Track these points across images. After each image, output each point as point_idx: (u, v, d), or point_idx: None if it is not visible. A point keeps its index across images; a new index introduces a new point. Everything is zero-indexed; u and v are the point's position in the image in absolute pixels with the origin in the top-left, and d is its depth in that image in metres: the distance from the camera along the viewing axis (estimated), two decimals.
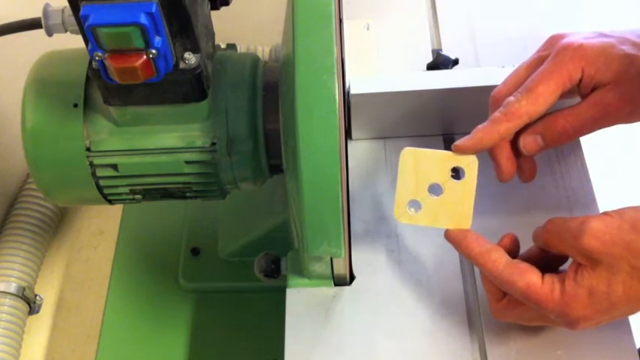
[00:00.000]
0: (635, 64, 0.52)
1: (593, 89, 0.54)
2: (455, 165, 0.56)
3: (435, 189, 0.56)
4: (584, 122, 0.55)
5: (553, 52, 0.55)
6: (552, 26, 0.79)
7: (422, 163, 0.56)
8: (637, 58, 0.53)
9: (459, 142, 0.55)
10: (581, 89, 0.55)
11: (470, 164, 0.55)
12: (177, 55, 0.54)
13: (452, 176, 0.56)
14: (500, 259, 0.52)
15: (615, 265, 0.48)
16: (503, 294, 0.54)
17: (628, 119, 0.55)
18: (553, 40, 0.56)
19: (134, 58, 0.50)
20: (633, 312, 0.51)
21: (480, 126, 0.55)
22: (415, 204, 0.56)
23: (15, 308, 0.83)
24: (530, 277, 0.51)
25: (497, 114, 0.54)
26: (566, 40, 0.55)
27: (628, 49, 0.53)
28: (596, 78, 0.53)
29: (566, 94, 0.55)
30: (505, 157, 0.56)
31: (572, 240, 0.50)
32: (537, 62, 0.56)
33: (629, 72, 0.53)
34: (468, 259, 0.55)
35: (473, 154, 0.55)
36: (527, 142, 0.56)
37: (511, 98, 0.54)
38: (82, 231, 0.96)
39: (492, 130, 0.54)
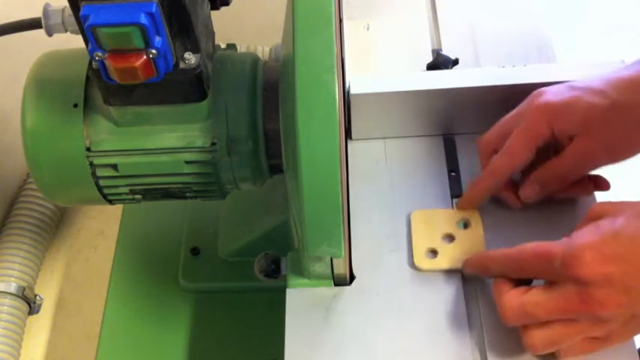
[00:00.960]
0: (596, 113, 0.57)
1: (571, 139, 0.59)
2: (460, 218, 0.64)
3: (447, 239, 0.63)
4: (568, 169, 0.60)
5: (527, 113, 0.60)
6: (552, 26, 0.79)
7: (431, 220, 0.64)
8: (598, 106, 0.57)
9: (460, 202, 0.65)
10: (560, 141, 0.59)
11: (473, 215, 0.64)
12: (178, 55, 0.54)
13: (460, 226, 0.64)
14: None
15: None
16: (512, 286, 0.55)
17: (611, 161, 0.59)
18: (531, 98, 0.61)
19: (134, 58, 0.50)
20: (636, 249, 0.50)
21: (471, 184, 0.64)
22: (432, 252, 0.62)
23: (15, 308, 0.83)
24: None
25: (484, 173, 0.63)
26: (538, 100, 0.60)
27: (591, 99, 0.57)
28: (567, 131, 0.58)
29: (545, 147, 0.60)
30: (507, 196, 0.64)
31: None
32: (516, 119, 0.61)
33: (593, 121, 0.57)
34: (485, 269, 0.58)
35: (474, 208, 0.64)
36: (524, 193, 0.63)
37: (494, 157, 0.62)
38: (82, 231, 0.96)
39: (481, 187, 0.63)
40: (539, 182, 0.62)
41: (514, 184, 0.64)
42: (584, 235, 0.51)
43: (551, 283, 0.52)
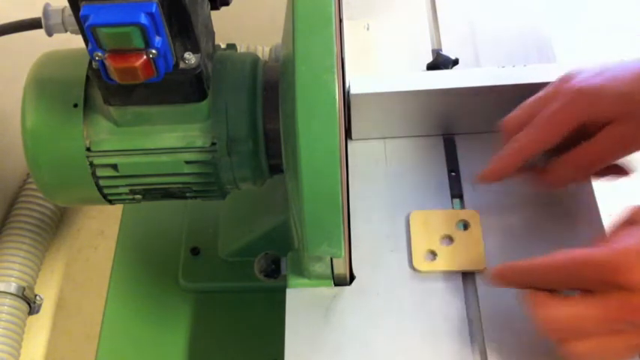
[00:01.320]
0: (632, 100, 0.55)
1: (603, 125, 0.57)
2: (459, 219, 0.63)
3: (446, 240, 0.63)
4: (604, 154, 0.58)
5: (563, 92, 0.58)
6: (552, 26, 0.79)
7: (430, 221, 0.64)
8: (632, 94, 0.55)
9: (482, 174, 0.61)
10: (589, 127, 0.57)
11: (472, 216, 0.63)
12: (178, 55, 0.54)
13: (459, 227, 0.63)
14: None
15: None
16: (548, 297, 0.52)
17: None
18: (561, 80, 0.59)
19: (134, 58, 0.50)
20: None
21: (496, 157, 0.60)
22: (431, 253, 0.62)
23: (15, 308, 0.83)
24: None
25: (511, 147, 0.59)
26: (571, 83, 0.58)
27: (625, 86, 0.55)
28: (604, 114, 0.56)
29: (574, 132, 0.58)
30: (533, 177, 0.61)
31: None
32: (544, 101, 0.59)
33: (630, 106, 0.55)
34: (513, 282, 0.55)
35: (495, 181, 0.61)
36: (554, 177, 0.60)
37: (522, 133, 0.58)
38: (82, 231, 0.96)
39: (508, 161, 0.60)
40: (571, 166, 0.59)
41: (535, 168, 0.61)
42: (629, 239, 0.48)
43: (587, 292, 0.49)
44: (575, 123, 0.57)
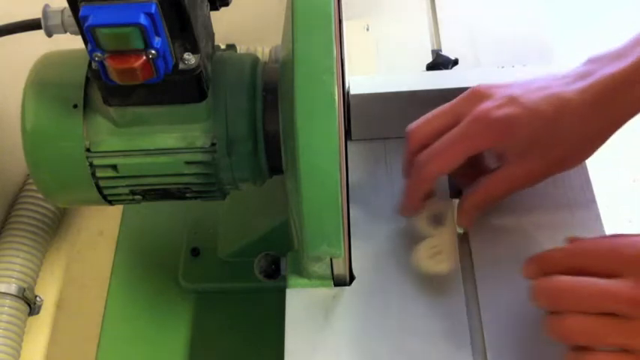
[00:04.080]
0: (540, 135, 0.56)
1: (508, 155, 0.58)
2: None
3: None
4: (501, 190, 0.60)
5: (466, 118, 0.58)
6: (552, 26, 0.79)
7: None
8: (545, 135, 0.56)
9: (399, 209, 0.63)
10: (494, 152, 0.59)
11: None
12: (177, 55, 0.54)
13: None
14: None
15: None
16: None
17: (547, 177, 0.59)
18: (471, 97, 0.59)
19: (133, 59, 0.50)
20: None
21: (405, 194, 0.62)
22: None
23: (15, 309, 0.82)
24: None
25: (412, 180, 0.61)
26: (479, 110, 0.57)
27: (538, 123, 0.56)
28: (508, 149, 0.58)
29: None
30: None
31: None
32: (452, 117, 0.59)
33: (537, 142, 0.56)
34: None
35: (412, 215, 0.63)
36: (463, 222, 0.62)
37: (422, 159, 0.59)
38: (82, 232, 0.96)
39: (415, 196, 0.61)
40: (473, 207, 0.61)
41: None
42: None
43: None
44: (478, 150, 0.58)
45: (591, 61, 0.58)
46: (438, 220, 0.62)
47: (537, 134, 0.56)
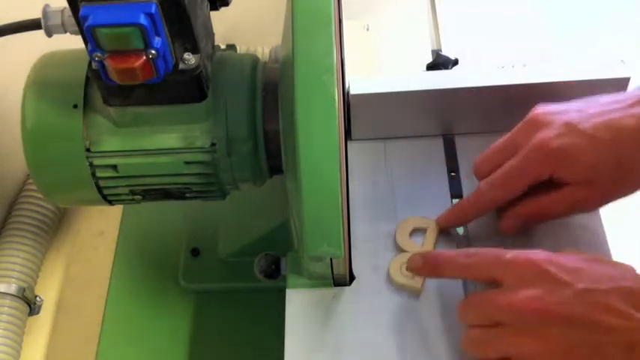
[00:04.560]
0: (601, 169, 0.56)
1: (567, 183, 0.58)
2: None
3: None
4: (558, 212, 0.60)
5: (525, 148, 0.58)
6: (552, 26, 0.79)
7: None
8: (604, 164, 0.56)
9: (441, 219, 0.63)
10: (553, 180, 0.58)
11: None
12: (177, 55, 0.54)
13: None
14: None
15: None
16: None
17: (599, 206, 0.60)
18: (530, 125, 0.59)
19: (133, 59, 0.50)
20: None
21: (457, 205, 0.63)
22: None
23: (15, 309, 0.82)
24: None
25: (468, 203, 0.62)
26: (538, 138, 0.57)
27: (597, 153, 0.56)
28: (567, 179, 0.57)
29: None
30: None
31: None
32: (512, 146, 0.59)
33: (596, 176, 0.56)
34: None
35: (454, 227, 0.64)
36: (505, 226, 0.62)
37: (483, 187, 0.60)
38: (82, 232, 0.95)
39: (466, 214, 0.63)
40: (523, 218, 0.61)
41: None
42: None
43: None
44: (537, 180, 0.58)
45: None
46: (418, 236, 0.63)
47: (597, 162, 0.56)
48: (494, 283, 0.53)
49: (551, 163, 0.57)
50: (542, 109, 0.59)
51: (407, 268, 0.60)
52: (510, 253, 0.53)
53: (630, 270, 0.52)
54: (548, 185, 0.58)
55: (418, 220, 0.64)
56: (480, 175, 0.62)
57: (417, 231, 0.63)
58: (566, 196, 0.58)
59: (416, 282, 0.60)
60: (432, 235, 0.63)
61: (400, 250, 0.62)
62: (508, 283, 0.52)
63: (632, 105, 0.56)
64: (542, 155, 0.57)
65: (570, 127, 0.57)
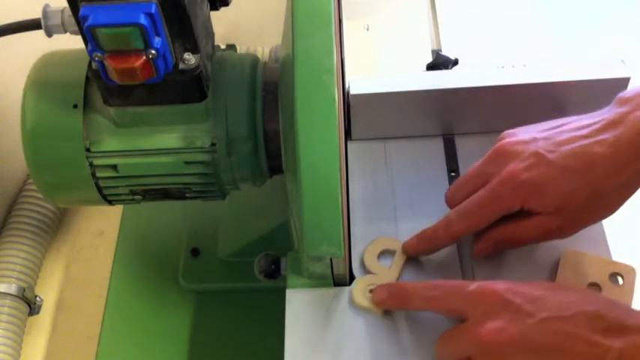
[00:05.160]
0: (574, 199, 0.55)
1: (538, 213, 0.57)
2: (613, 271, 0.59)
3: (594, 289, 0.59)
4: (530, 239, 0.58)
5: (495, 180, 0.57)
6: (552, 26, 0.79)
7: (582, 264, 0.60)
8: (578, 192, 0.54)
9: (406, 246, 0.61)
10: (525, 210, 0.57)
11: (628, 273, 0.59)
12: (177, 55, 0.54)
13: (611, 280, 0.59)
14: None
15: None
16: None
17: (573, 233, 0.58)
18: (498, 156, 0.58)
19: (133, 59, 0.50)
20: None
21: (423, 234, 0.61)
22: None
23: (15, 309, 0.82)
24: None
25: (435, 231, 0.60)
26: (507, 171, 0.56)
27: (569, 183, 0.54)
28: (538, 209, 0.56)
29: None
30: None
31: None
32: (482, 176, 0.58)
33: (568, 206, 0.55)
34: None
35: (421, 255, 0.62)
36: (478, 250, 0.61)
37: (452, 217, 0.59)
38: (82, 232, 0.96)
39: (434, 244, 0.61)
40: (495, 242, 0.60)
41: None
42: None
43: None
44: (507, 212, 0.57)
45: (621, 101, 0.55)
46: (386, 258, 0.62)
47: (568, 192, 0.55)
48: (460, 317, 0.54)
49: (521, 195, 0.56)
50: (509, 139, 0.58)
51: (371, 295, 0.59)
52: (473, 285, 0.53)
53: (595, 294, 0.52)
54: (521, 213, 0.57)
55: (388, 241, 0.62)
56: (452, 204, 0.61)
57: (385, 253, 0.62)
58: (538, 226, 0.57)
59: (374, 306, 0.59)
60: (400, 258, 0.61)
61: (367, 271, 0.61)
62: (473, 317, 0.52)
63: (600, 130, 0.55)
64: (511, 188, 0.56)
65: (539, 158, 0.55)
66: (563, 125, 0.57)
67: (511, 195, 0.56)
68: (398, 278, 0.60)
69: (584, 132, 0.55)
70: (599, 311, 0.49)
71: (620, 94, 0.56)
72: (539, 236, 0.58)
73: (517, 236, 0.58)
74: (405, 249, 0.62)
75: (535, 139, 0.57)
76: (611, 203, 0.56)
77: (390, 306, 0.58)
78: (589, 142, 0.54)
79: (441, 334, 0.54)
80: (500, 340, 0.49)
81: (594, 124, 0.55)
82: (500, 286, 0.52)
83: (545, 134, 0.57)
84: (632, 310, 0.50)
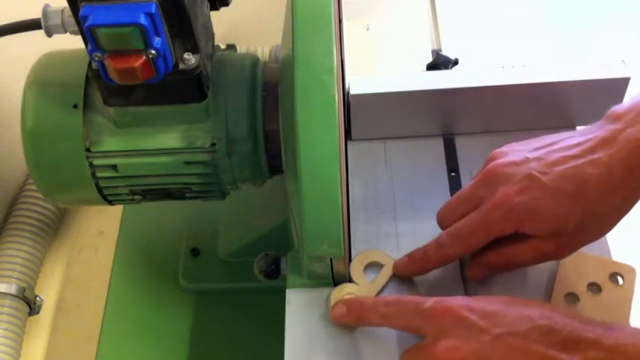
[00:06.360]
0: (567, 222, 0.53)
1: (532, 236, 0.55)
2: (613, 271, 0.59)
3: (593, 289, 0.59)
4: (523, 262, 0.58)
5: (487, 204, 0.55)
6: (553, 26, 0.79)
7: (582, 264, 0.60)
8: (572, 215, 0.53)
9: (397, 267, 0.60)
10: (518, 233, 0.56)
11: (628, 273, 0.59)
12: (177, 55, 0.54)
13: (611, 280, 0.59)
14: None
15: None
16: None
17: (568, 254, 0.57)
18: (490, 178, 0.56)
19: (133, 59, 0.50)
20: None
21: (414, 255, 0.60)
22: (573, 297, 0.59)
23: (15, 309, 0.82)
24: None
25: (426, 253, 0.59)
26: (499, 194, 0.55)
27: (562, 206, 0.53)
28: (531, 232, 0.55)
29: None
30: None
31: None
32: (474, 198, 0.57)
33: (563, 229, 0.54)
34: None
35: (403, 276, 0.61)
36: (471, 273, 0.60)
37: (443, 240, 0.58)
38: (82, 232, 0.96)
39: (425, 266, 0.59)
40: (488, 266, 0.59)
41: None
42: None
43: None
44: (499, 236, 0.56)
45: (612, 118, 0.54)
46: (371, 272, 0.61)
47: (561, 215, 0.53)
48: (418, 335, 0.53)
49: (513, 219, 0.54)
50: (500, 160, 0.56)
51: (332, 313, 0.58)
52: (430, 302, 0.52)
53: (549, 307, 0.50)
54: (515, 235, 0.56)
55: (380, 255, 0.62)
56: (443, 225, 0.59)
57: (375, 265, 0.61)
58: (533, 250, 0.56)
59: None
60: (386, 274, 0.61)
61: (350, 279, 0.60)
62: (429, 335, 0.51)
63: (592, 149, 0.53)
64: (504, 212, 0.54)
65: (532, 180, 0.54)
66: (554, 144, 0.56)
67: (504, 219, 0.55)
68: (378, 294, 0.59)
69: (576, 151, 0.54)
70: (553, 326, 0.48)
71: (612, 110, 0.55)
72: (535, 259, 0.57)
73: (511, 261, 0.57)
74: (396, 268, 0.61)
75: (527, 160, 0.55)
76: (606, 224, 0.55)
77: (348, 322, 0.57)
78: (582, 162, 0.53)
79: (405, 349, 0.54)
80: (455, 358, 0.49)
81: (586, 141, 0.54)
82: (455, 302, 0.51)
83: (536, 154, 0.56)
84: (590, 323, 0.48)
